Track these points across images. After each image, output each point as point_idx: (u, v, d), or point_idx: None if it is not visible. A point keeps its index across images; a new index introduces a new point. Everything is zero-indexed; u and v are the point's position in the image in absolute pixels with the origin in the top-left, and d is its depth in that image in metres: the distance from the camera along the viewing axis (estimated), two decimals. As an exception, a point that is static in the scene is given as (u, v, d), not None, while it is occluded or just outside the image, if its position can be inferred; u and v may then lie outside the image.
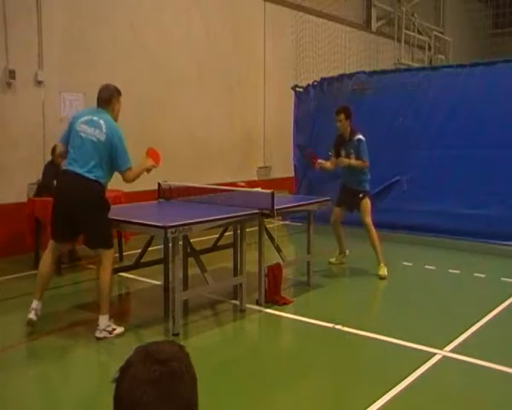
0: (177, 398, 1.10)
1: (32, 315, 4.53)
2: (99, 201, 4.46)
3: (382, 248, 6.56)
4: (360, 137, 6.56)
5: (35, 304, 4.56)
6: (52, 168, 6.49)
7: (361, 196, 6.65)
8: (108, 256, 4.52)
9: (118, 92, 4.62)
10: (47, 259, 4.64)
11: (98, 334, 4.43)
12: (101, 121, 4.44)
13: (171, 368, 1.11)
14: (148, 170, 4.84)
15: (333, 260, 7.14)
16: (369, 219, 6.61)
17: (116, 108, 4.61)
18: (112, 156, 4.46)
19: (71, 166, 4.45)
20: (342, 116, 6.59)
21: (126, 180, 4.58)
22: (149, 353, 1.14)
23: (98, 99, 4.59)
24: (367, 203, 6.67)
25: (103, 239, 4.53)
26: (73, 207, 4.41)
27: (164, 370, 1.10)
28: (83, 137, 4.43)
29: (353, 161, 6.52)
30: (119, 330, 4.54)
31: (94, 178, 4.39)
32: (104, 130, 4.41)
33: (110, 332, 4.47)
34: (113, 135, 4.43)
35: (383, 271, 6.43)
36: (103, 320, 4.46)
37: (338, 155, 6.73)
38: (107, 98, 4.55)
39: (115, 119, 4.59)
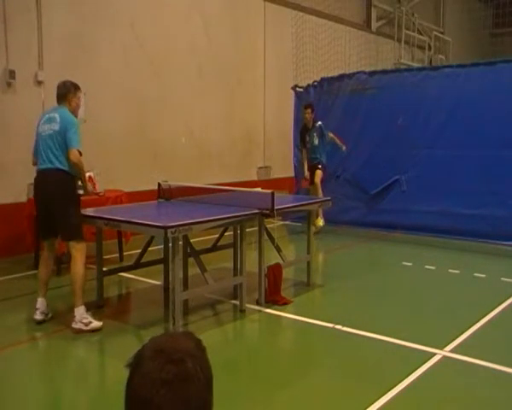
0: (191, 400, 1.07)
1: (37, 316, 4.74)
2: (68, 190, 4.67)
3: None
4: (320, 122, 8.71)
5: (39, 302, 4.76)
6: None
7: (319, 166, 8.72)
8: (78, 248, 4.63)
9: (74, 87, 4.83)
10: (43, 260, 4.90)
11: (74, 324, 4.53)
12: (56, 115, 4.68)
13: (186, 369, 1.07)
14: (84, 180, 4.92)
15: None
16: (318, 180, 8.63)
17: (73, 103, 4.80)
18: (65, 138, 4.61)
19: (41, 165, 4.70)
20: (309, 110, 8.71)
21: (71, 159, 4.60)
22: (163, 350, 1.09)
23: (56, 96, 4.83)
24: (320, 172, 8.71)
25: (73, 230, 4.65)
26: (48, 200, 4.67)
27: (177, 371, 1.06)
28: (44, 136, 4.68)
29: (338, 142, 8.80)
30: (96, 324, 4.57)
31: (60, 167, 4.60)
32: (58, 120, 4.64)
33: (86, 324, 4.51)
34: (66, 121, 4.63)
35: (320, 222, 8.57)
36: (78, 311, 4.55)
37: (304, 143, 8.86)
38: (63, 94, 4.77)
39: (73, 112, 4.78)
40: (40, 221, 4.94)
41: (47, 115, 4.79)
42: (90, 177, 5.98)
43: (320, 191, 8.56)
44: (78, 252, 4.63)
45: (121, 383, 1.13)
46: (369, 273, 6.62)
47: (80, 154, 4.68)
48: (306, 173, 8.93)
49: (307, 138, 8.81)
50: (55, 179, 4.63)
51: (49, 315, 4.84)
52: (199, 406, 1.08)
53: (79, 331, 4.50)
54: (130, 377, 1.10)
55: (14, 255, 6.98)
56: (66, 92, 4.77)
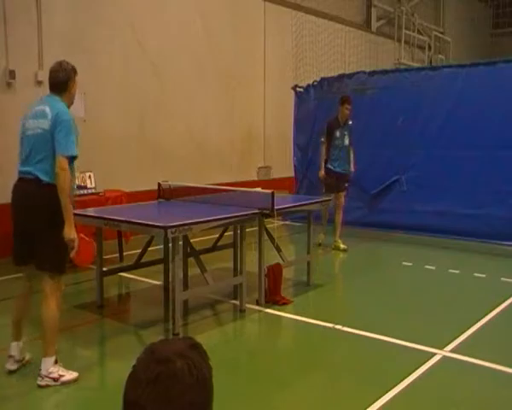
0: (176, 399, 1.05)
1: (9, 365, 3.78)
2: (52, 208, 3.62)
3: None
4: (351, 122, 7.88)
5: (13, 348, 3.80)
6: None
7: (346, 185, 8.03)
8: (52, 285, 3.66)
9: (74, 72, 3.86)
10: (20, 293, 3.96)
11: (40, 381, 3.61)
12: (47, 108, 3.70)
13: (172, 368, 1.06)
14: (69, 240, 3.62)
15: (321, 240, 7.94)
16: (343, 201, 7.99)
17: (73, 90, 3.87)
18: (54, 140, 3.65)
19: (20, 168, 3.91)
20: (351, 107, 7.75)
21: (58, 167, 3.59)
22: (152, 351, 1.10)
23: (52, 83, 3.84)
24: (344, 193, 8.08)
25: (52, 261, 3.66)
26: (25, 217, 3.71)
27: (161, 370, 1.06)
28: (29, 135, 3.83)
29: (353, 161, 7.91)
30: (69, 376, 3.67)
31: (44, 178, 3.69)
32: (49, 117, 3.67)
33: (55, 379, 3.61)
34: (59, 120, 3.65)
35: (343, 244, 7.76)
36: (46, 363, 3.63)
37: (331, 138, 7.79)
38: (64, 81, 3.79)
39: (71, 101, 3.90)
40: (15, 241, 3.83)
41: (34, 110, 3.82)
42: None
43: (341, 214, 7.95)
44: (53, 290, 3.63)
45: (121, 383, 1.13)
46: (370, 273, 6.62)
47: (72, 160, 3.68)
48: (322, 173, 7.81)
49: (337, 134, 7.75)
50: (38, 193, 3.69)
51: (27, 357, 3.88)
52: (185, 405, 1.06)
53: (46, 386, 3.60)
54: (125, 385, 1.10)
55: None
56: (68, 79, 3.79)
